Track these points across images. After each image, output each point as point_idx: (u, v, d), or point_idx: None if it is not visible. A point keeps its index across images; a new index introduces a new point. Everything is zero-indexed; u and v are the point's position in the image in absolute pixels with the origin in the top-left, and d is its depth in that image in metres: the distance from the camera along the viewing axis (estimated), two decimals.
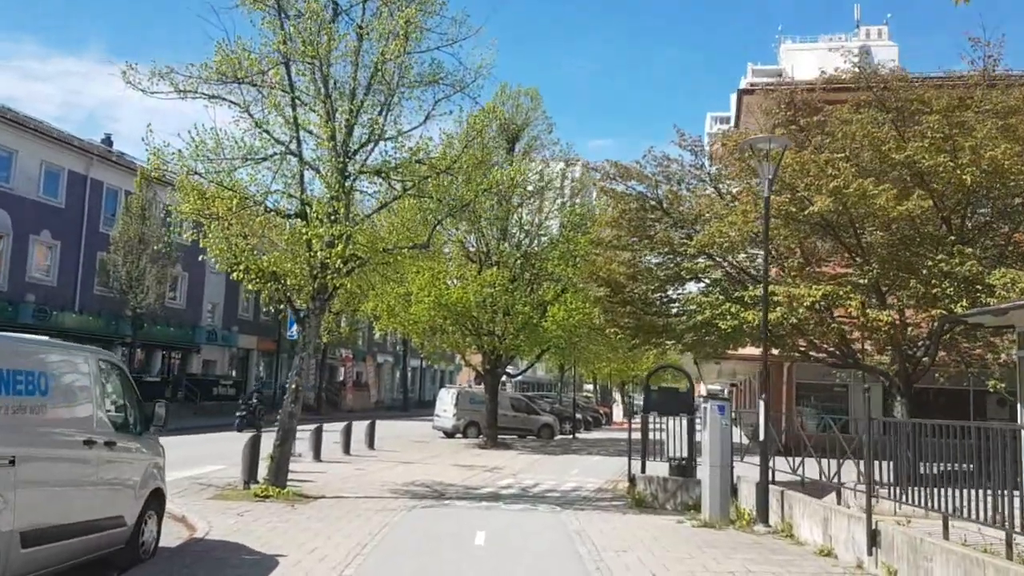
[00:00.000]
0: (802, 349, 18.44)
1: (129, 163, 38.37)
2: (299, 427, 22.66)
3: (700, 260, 16.64)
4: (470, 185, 14.30)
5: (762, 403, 12.24)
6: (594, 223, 29.26)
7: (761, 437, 11.98)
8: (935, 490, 7.87)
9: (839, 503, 12.54)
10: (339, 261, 13.81)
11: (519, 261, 29.26)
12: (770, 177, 12.08)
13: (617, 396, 74.61)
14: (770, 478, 12.10)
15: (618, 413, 55.68)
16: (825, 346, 17.72)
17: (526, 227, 30.21)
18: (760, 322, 15.24)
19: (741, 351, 20.38)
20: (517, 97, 30.11)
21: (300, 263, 14.29)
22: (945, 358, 18.42)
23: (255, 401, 32.48)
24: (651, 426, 15.82)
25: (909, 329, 17.31)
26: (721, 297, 15.49)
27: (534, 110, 30.33)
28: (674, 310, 17.56)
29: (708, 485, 12.26)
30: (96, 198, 37.09)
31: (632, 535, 11.28)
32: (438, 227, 14.59)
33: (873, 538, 8.58)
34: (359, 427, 26.04)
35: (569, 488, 17.69)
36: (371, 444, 25.32)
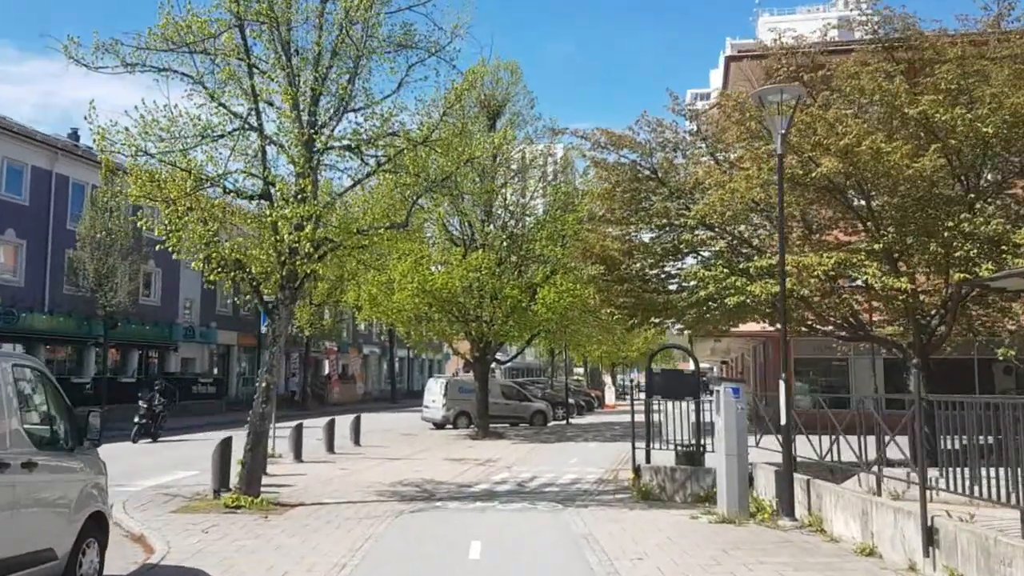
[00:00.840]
0: (809, 323, 17.31)
1: (96, 157, 36.72)
2: (280, 425, 21.60)
3: (699, 232, 15.44)
4: (450, 156, 13.01)
5: (783, 382, 11.07)
6: (581, 200, 28.12)
7: (783, 419, 10.81)
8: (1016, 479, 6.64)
9: (861, 488, 11.43)
10: (308, 245, 12.52)
11: (505, 243, 28.02)
12: (783, 131, 10.87)
13: (607, 379, 73.69)
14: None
15: (610, 396, 54.66)
16: (833, 318, 16.58)
17: (511, 208, 28.97)
18: (768, 295, 14.12)
19: (742, 328, 19.25)
20: (496, 72, 28.75)
21: (266, 248, 12.99)
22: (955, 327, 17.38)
23: (159, 401, 26.26)
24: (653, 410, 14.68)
25: (923, 297, 16.26)
26: (725, 270, 14.29)
27: (514, 84, 29.03)
28: (673, 286, 16.35)
29: (724, 476, 11.08)
30: (62, 194, 35.48)
31: (645, 537, 10.11)
32: (417, 205, 13.28)
33: (930, 536, 7.42)
34: (345, 422, 24.79)
35: (568, 480, 16.53)
36: (357, 440, 24.07)
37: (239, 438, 16.78)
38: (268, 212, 12.68)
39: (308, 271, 12.96)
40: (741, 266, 14.68)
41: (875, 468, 11.27)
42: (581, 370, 68.75)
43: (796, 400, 29.73)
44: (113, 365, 39.93)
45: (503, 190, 28.66)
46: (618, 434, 29.35)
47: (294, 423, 20.90)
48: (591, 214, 16.34)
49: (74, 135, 41.24)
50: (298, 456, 19.37)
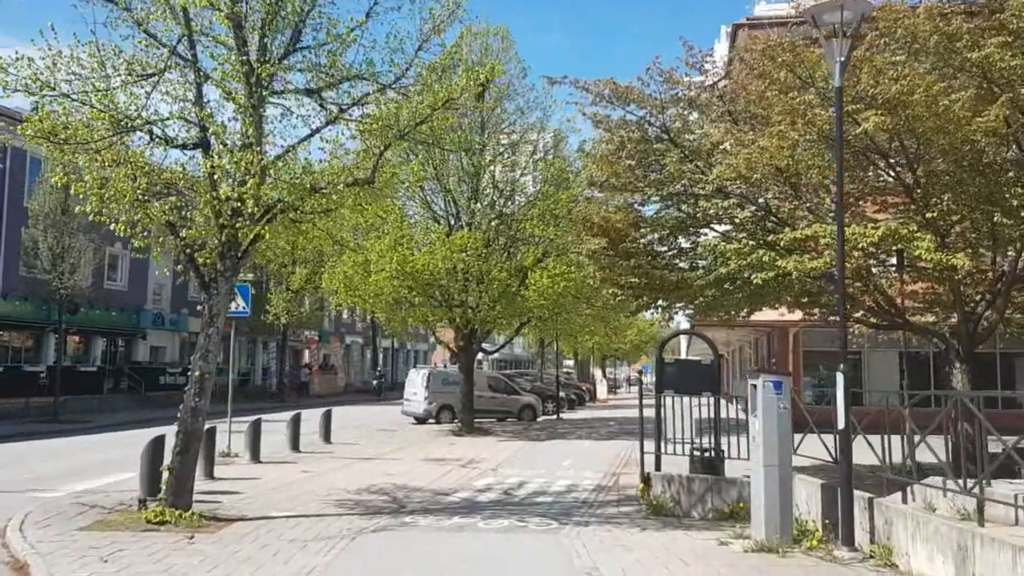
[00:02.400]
0: (832, 307, 15.15)
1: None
2: (243, 419, 19.28)
3: (717, 200, 13.20)
4: (425, 94, 10.70)
5: (840, 375, 8.88)
6: (576, 178, 25.89)
7: (840, 422, 8.60)
8: None
9: (913, 503, 9.26)
10: (253, 204, 10.22)
11: (494, 223, 25.75)
12: (842, 58, 8.66)
13: (596, 372, 71.57)
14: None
15: (602, 390, 52.49)
16: (867, 302, 14.40)
17: (500, 185, 26.68)
18: (802, 273, 11.91)
19: (756, 316, 17.04)
20: (486, 37, 26.45)
21: (203, 209, 10.69)
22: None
23: None
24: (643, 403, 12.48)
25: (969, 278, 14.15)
26: (751, 243, 12.07)
27: (505, 51, 26.71)
28: (686, 263, 14.09)
29: (763, 491, 8.86)
30: (18, 168, 32.95)
31: (667, 572, 7.90)
32: (385, 158, 10.99)
33: None
34: (319, 416, 22.53)
35: (563, 487, 14.32)
36: (327, 437, 21.78)
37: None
38: (204, 163, 10.39)
39: (252, 236, 10.65)
40: (768, 239, 12.45)
41: (930, 479, 9.21)
42: (571, 362, 66.57)
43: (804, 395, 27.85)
44: (75, 353, 37.58)
45: (491, 166, 26.40)
46: (614, 431, 27.17)
47: (259, 417, 18.62)
48: (591, 180, 14.04)
49: (35, 107, 38.69)
50: (256, 455, 17.09)
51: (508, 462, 18.20)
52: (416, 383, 30.27)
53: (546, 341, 47.78)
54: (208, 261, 11.01)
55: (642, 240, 13.69)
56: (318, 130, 11.20)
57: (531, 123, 26.91)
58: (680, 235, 13.80)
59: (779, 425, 8.75)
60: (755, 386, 8.99)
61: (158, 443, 11.87)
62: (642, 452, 11.92)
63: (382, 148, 10.89)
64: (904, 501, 9.11)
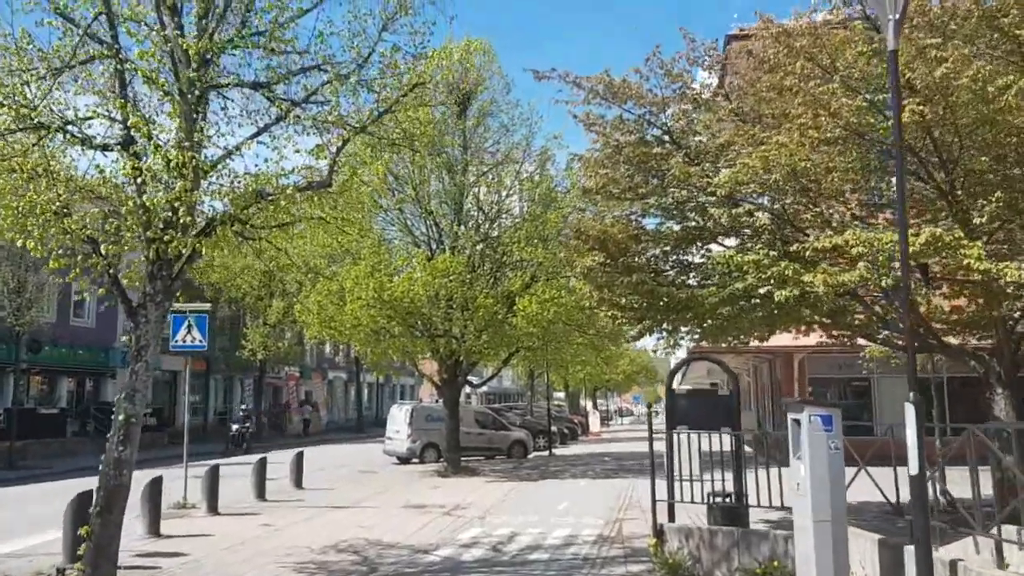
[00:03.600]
0: (857, 328, 13.55)
1: None
2: (208, 463, 17.27)
3: (727, 207, 11.56)
4: (390, 79, 9.08)
5: (911, 406, 7.21)
6: (564, 198, 24.35)
7: (912, 465, 6.86)
8: None
9: (977, 555, 7.57)
10: (185, 211, 8.53)
11: (479, 246, 24.11)
12: (896, 16, 7.08)
13: (585, 404, 69.60)
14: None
15: (594, 423, 50.56)
16: (897, 319, 12.78)
17: (484, 207, 25.07)
18: (832, 288, 10.28)
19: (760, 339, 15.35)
20: (467, 52, 24.96)
21: (128, 220, 8.99)
22: None
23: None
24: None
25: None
26: (772, 254, 10.43)
27: (487, 66, 25.24)
28: (693, 279, 12.41)
29: (812, 556, 7.08)
30: None
31: None
32: (347, 156, 9.32)
33: None
34: (296, 457, 20.66)
35: (561, 540, 12.49)
36: (298, 482, 19.87)
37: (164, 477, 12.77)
38: (125, 165, 8.70)
39: (187, 253, 8.92)
40: (790, 249, 10.81)
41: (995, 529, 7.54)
42: (561, 394, 64.62)
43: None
44: (38, 394, 35.52)
45: (475, 187, 24.82)
46: (611, 468, 25.35)
47: (217, 462, 16.79)
48: (585, 189, 12.38)
49: None
50: (213, 506, 15.20)
51: (497, 508, 16.38)
52: (398, 420, 28.38)
53: (536, 372, 46.03)
54: (136, 284, 9.28)
55: (644, 254, 12.01)
56: (266, 127, 9.53)
57: (516, 141, 25.36)
58: (687, 248, 12.13)
59: (831, 470, 7.03)
60: (797, 422, 7.29)
61: (82, 502, 10.05)
62: (653, 501, 10.14)
63: (340, 143, 9.22)
64: (975, 552, 7.45)
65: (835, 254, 10.82)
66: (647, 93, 11.98)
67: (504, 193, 25.33)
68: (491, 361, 27.26)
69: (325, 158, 9.17)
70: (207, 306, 16.61)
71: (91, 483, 18.00)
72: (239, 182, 9.03)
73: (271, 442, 42.01)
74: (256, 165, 9.53)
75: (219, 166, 9.31)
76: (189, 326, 16.04)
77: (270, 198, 9.13)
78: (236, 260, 40.33)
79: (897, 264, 10.04)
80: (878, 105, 10.65)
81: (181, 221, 8.68)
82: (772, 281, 10.62)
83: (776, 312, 11.45)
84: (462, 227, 24.05)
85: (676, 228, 12.47)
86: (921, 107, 10.13)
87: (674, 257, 12.28)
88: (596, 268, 12.15)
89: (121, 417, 8.95)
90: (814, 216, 11.50)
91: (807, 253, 10.54)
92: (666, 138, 12.51)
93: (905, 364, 20.31)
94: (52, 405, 35.06)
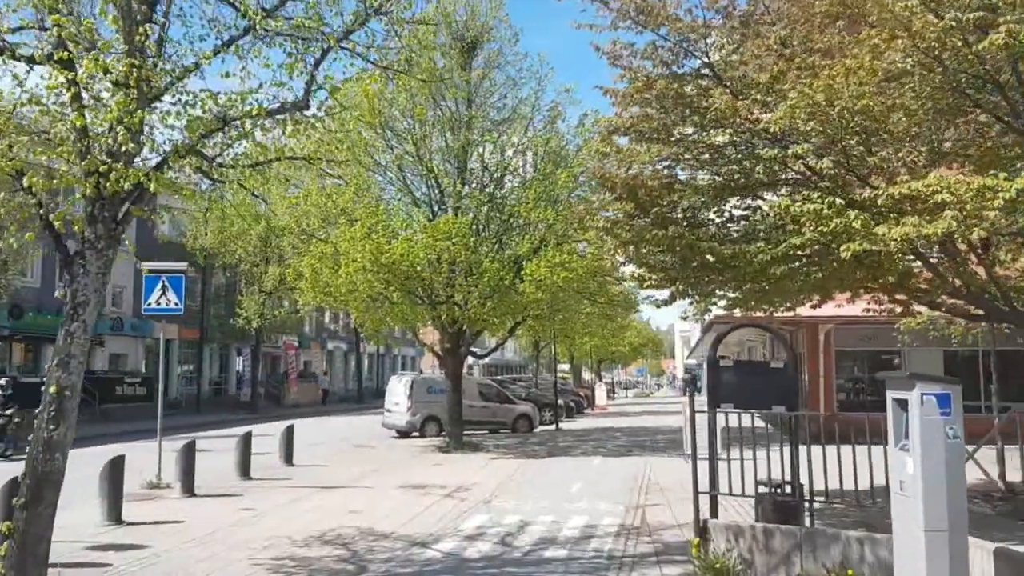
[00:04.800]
0: (921, 293, 11.90)
1: None
2: (208, 433, 15.69)
3: (777, 149, 9.88)
4: None
5: None
6: (576, 156, 22.64)
7: None
8: None
9: None
10: (126, 134, 6.88)
11: (484, 208, 22.41)
12: None
13: (587, 376, 68.15)
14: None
15: (601, 396, 49.11)
16: (965, 287, 11.14)
17: (489, 165, 23.32)
18: (909, 241, 8.64)
19: (799, 310, 13.67)
20: None
21: (66, 149, 7.32)
22: None
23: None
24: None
25: None
26: (838, 202, 8.75)
27: (494, 13, 23.37)
28: (736, 234, 10.73)
29: (925, 571, 5.52)
30: None
31: None
32: (320, 71, 7.65)
33: None
34: (294, 429, 19.15)
35: (578, 530, 10.94)
36: (288, 458, 18.37)
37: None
38: (55, 77, 7.02)
39: (126, 185, 7.24)
40: (857, 197, 9.15)
41: None
42: (567, 366, 63.19)
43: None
44: (22, 362, 34.06)
45: (480, 144, 23.06)
46: (623, 445, 23.85)
47: (194, 436, 15.28)
48: (611, 126, 10.65)
49: None
50: (189, 487, 13.67)
51: (504, 489, 14.86)
52: (398, 392, 26.85)
53: (541, 344, 44.52)
54: (74, 228, 7.66)
55: (681, 203, 10.32)
56: (232, 41, 7.82)
57: (524, 96, 23.56)
58: (727, 199, 10.43)
59: (949, 466, 5.42)
60: (902, 402, 5.66)
61: (12, 487, 8.47)
62: (696, 493, 8.52)
63: (318, 55, 7.53)
64: None
65: (907, 204, 9.17)
66: (686, 15, 10.24)
67: (511, 151, 23.55)
68: (496, 331, 25.65)
69: (301, 75, 7.46)
70: (183, 265, 14.97)
71: (85, 455, 16.44)
72: (196, 103, 7.33)
73: (268, 412, 40.66)
74: (221, 91, 7.87)
75: (176, 85, 7.64)
76: (164, 287, 14.44)
77: (235, 123, 7.46)
78: (230, 224, 38.84)
79: (991, 214, 8.43)
80: (964, 25, 8.91)
81: (124, 148, 7.04)
82: (835, 235, 8.96)
83: (835, 273, 9.81)
84: (466, 187, 22.35)
85: (715, 179, 10.78)
86: (1019, 26, 8.46)
87: (715, 209, 10.56)
88: (622, 221, 10.50)
89: (52, 389, 7.33)
90: (880, 161, 9.82)
91: (880, 201, 8.88)
92: (706, 71, 10.79)
93: (943, 336, 18.59)
94: (35, 375, 33.57)
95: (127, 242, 8.19)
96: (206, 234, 39.53)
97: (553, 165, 22.34)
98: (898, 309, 13.56)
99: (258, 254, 39.32)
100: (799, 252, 9.32)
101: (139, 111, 6.94)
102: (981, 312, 12.02)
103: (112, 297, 38.14)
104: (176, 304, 14.50)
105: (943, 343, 22.59)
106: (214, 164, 8.60)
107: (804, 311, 13.85)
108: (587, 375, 70.12)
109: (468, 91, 22.73)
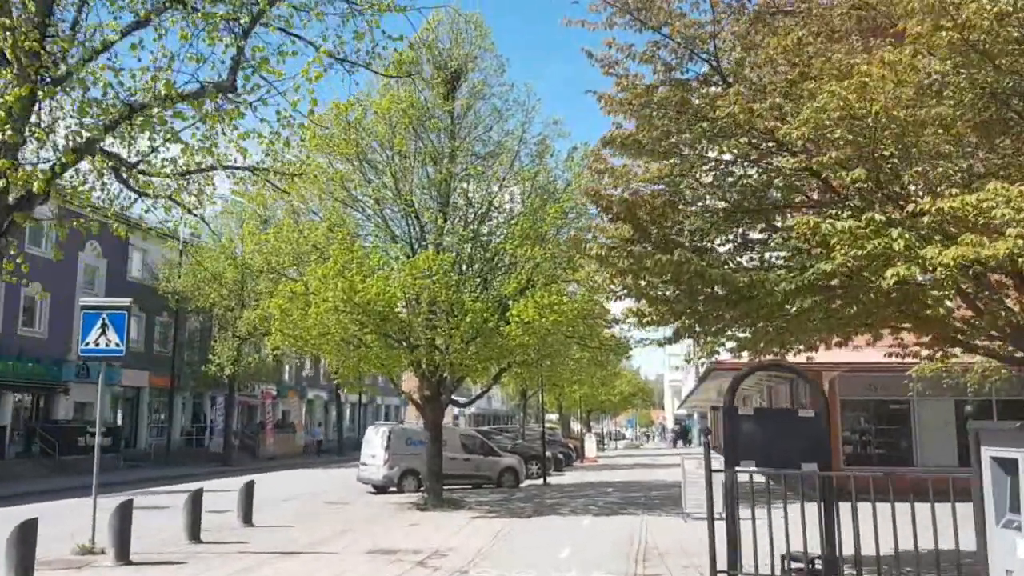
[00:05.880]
0: (956, 333, 10.47)
1: None
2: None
3: (800, 158, 8.50)
4: None
5: None
6: (567, 188, 21.39)
7: None
8: None
9: None
10: (10, 124, 5.46)
11: (467, 245, 21.01)
12: None
13: (576, 427, 66.13)
14: None
15: (590, 447, 47.26)
16: (1012, 326, 9.72)
17: (474, 202, 21.98)
18: (961, 263, 7.25)
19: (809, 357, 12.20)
20: (456, 25, 22.04)
21: None
22: None
23: None
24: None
25: None
26: (879, 218, 7.38)
27: (480, 41, 22.25)
28: (749, 262, 9.31)
29: None
30: None
31: None
32: (246, 48, 6.23)
33: None
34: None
35: None
36: (247, 517, 16.62)
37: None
38: None
39: (12, 188, 5.78)
40: (895, 215, 7.77)
41: None
42: (555, 416, 61.30)
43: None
44: None
45: (464, 180, 21.76)
46: (615, 501, 22.15)
47: (131, 496, 13.58)
48: (605, 140, 9.30)
49: None
50: (123, 553, 11.94)
51: (485, 555, 13.19)
52: (374, 443, 25.13)
53: (529, 392, 42.85)
54: None
55: (686, 225, 8.91)
56: (146, 18, 6.43)
57: (510, 128, 22.35)
58: (746, 220, 9.03)
59: None
60: (1007, 463, 4.19)
61: None
62: (712, 554, 6.93)
63: (248, 22, 6.15)
64: None
65: (953, 223, 7.79)
66: (692, 9, 8.96)
67: (497, 186, 22.23)
68: (479, 377, 24.07)
69: (227, 47, 6.07)
70: (126, 301, 13.40)
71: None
72: (97, 87, 5.92)
73: (242, 465, 38.71)
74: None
75: (86, 66, 6.25)
76: (104, 326, 12.88)
77: (144, 111, 6.03)
78: (202, 267, 37.33)
79: None
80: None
81: (2, 136, 5.60)
82: (872, 259, 7.56)
83: (865, 308, 8.38)
84: (448, 223, 20.96)
85: (724, 200, 9.41)
86: None
87: (724, 235, 9.14)
88: (619, 247, 9.06)
89: None
90: (916, 176, 8.46)
91: (927, 219, 7.50)
92: (714, 78, 9.49)
93: (958, 385, 17.15)
94: None
95: (18, 260, 6.68)
96: (179, 276, 38.03)
97: (541, 200, 21.04)
98: (924, 352, 12.17)
99: (233, 297, 37.77)
100: (828, 282, 7.89)
101: (18, 89, 5.52)
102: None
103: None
104: (117, 345, 12.94)
105: (958, 392, 21.19)
106: (134, 170, 7.16)
107: (800, 357, 12.42)
108: (576, 425, 68.20)
109: (451, 122, 21.52)
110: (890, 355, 12.66)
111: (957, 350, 11.07)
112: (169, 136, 6.40)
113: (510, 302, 19.75)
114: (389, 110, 19.99)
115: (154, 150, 7.27)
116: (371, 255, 20.41)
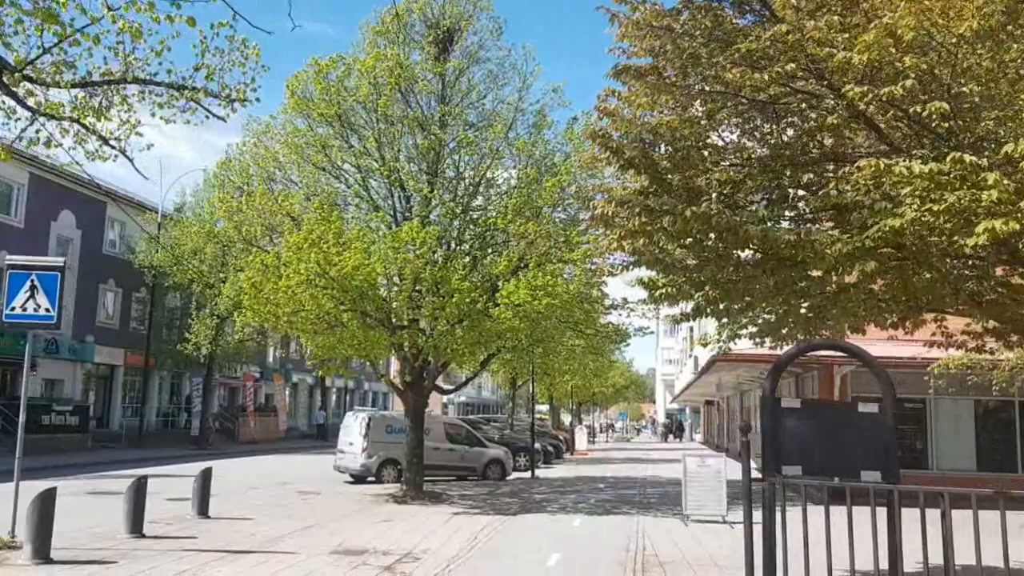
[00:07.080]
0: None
1: None
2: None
3: (864, 88, 6.90)
4: None
5: None
6: (566, 160, 19.76)
7: None
8: None
9: None
10: None
11: (456, 220, 19.37)
12: None
13: (565, 419, 64.63)
14: None
15: (581, 440, 45.72)
16: None
17: (465, 173, 20.32)
18: None
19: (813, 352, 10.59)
20: None
21: None
22: None
23: None
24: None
25: None
26: (969, 160, 5.82)
27: (475, 1, 20.55)
28: (787, 221, 7.69)
29: None
30: None
31: None
32: None
33: None
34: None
35: None
36: (203, 509, 14.98)
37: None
38: None
39: None
40: (983, 160, 6.19)
41: None
42: (545, 407, 59.73)
43: None
44: None
45: (456, 153, 20.09)
46: (608, 499, 20.59)
47: (54, 486, 11.95)
48: (619, 69, 7.64)
49: None
50: (43, 550, 10.31)
51: (461, 561, 11.61)
52: (352, 430, 23.53)
53: (519, 381, 41.27)
54: None
55: (714, 175, 7.25)
56: None
57: (506, 95, 20.65)
58: (787, 171, 7.38)
59: None
60: None
61: None
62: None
63: None
64: None
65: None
66: None
67: (490, 158, 20.54)
68: (466, 363, 22.42)
69: None
70: (60, 261, 11.71)
71: None
72: None
73: (220, 449, 37.16)
74: None
75: None
76: (33, 288, 11.22)
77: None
78: (185, 241, 35.58)
79: None
80: None
81: None
82: (956, 214, 5.96)
83: (941, 274, 6.78)
84: (436, 194, 19.30)
85: (763, 146, 7.79)
86: None
87: (764, 190, 7.50)
88: (631, 201, 7.42)
89: None
90: (1004, 118, 6.85)
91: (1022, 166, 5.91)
92: (745, 2, 7.86)
93: (983, 383, 15.65)
94: None
95: None
96: (157, 251, 36.33)
97: (537, 172, 19.39)
98: (971, 344, 10.62)
99: (213, 274, 36.06)
100: (899, 236, 6.26)
101: None
102: None
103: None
104: (48, 310, 11.27)
105: (980, 391, 19.74)
106: (16, 76, 5.54)
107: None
108: (566, 417, 66.71)
109: (442, 86, 19.85)
110: (930, 345, 11.08)
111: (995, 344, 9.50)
112: (45, 16, 4.79)
113: (500, 282, 18.13)
114: (373, 68, 18.30)
115: (46, 51, 5.66)
116: (352, 227, 18.74)
